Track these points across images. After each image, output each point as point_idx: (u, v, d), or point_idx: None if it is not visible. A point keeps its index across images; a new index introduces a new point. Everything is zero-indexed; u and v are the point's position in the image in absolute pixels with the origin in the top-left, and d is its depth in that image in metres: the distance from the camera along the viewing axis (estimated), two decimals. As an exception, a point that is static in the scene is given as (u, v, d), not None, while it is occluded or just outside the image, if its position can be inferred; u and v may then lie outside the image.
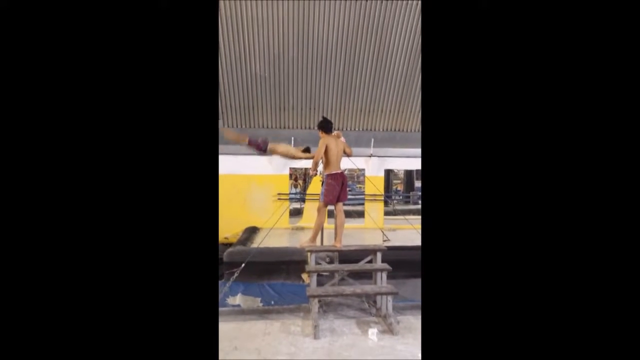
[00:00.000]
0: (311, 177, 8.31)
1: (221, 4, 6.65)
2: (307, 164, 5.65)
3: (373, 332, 3.44)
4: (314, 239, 4.07)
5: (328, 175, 4.03)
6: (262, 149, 4.61)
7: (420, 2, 6.54)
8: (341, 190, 4.02)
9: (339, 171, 4.02)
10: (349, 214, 4.38)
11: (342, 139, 4.17)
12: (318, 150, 3.98)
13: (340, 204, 4.07)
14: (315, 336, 3.26)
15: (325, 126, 4.06)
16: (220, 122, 7.96)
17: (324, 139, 3.98)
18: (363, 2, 7.01)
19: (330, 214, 4.27)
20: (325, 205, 4.03)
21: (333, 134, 4.11)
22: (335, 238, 4.03)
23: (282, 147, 4.70)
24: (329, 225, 4.50)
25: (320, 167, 4.16)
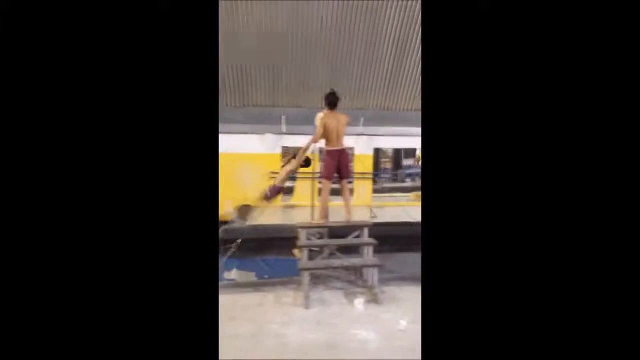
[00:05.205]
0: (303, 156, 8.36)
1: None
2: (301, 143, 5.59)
3: (359, 301, 3.71)
4: (323, 214, 4.20)
5: (326, 152, 4.10)
6: (269, 195, 4.44)
7: (420, 2, 6.52)
8: (340, 166, 4.10)
9: (336, 148, 4.06)
10: (337, 192, 4.55)
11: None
12: (317, 131, 3.98)
13: (343, 181, 4.20)
14: (306, 306, 3.51)
15: (330, 101, 4.05)
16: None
17: (323, 118, 3.98)
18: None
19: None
20: (324, 179, 4.14)
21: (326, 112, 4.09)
22: (346, 212, 4.25)
23: (286, 170, 4.44)
24: (318, 203, 4.69)
25: (317, 145, 4.27)
